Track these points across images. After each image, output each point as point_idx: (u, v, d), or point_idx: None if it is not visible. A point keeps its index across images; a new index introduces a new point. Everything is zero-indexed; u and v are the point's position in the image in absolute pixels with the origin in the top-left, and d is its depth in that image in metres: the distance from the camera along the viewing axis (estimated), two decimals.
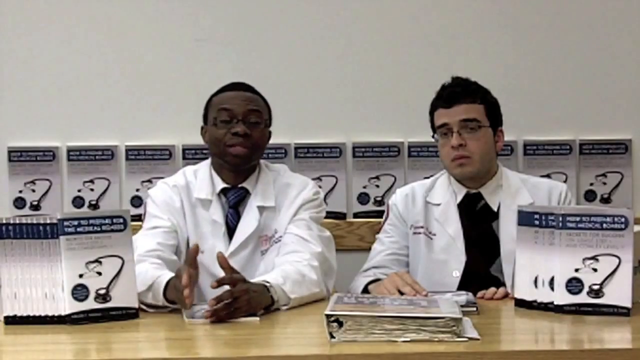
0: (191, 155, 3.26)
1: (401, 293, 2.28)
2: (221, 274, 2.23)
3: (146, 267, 2.34)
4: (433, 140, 2.71)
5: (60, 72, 3.29)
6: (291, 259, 2.45)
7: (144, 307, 2.25)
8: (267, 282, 2.27)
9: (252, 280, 2.27)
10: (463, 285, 2.56)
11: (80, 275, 2.10)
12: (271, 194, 2.61)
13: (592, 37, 3.36)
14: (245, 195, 2.61)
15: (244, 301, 2.14)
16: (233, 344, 1.96)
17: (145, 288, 2.25)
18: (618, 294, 2.11)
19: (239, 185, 2.62)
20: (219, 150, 2.57)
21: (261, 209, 2.59)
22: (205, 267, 2.46)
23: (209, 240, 2.57)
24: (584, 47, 3.36)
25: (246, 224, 2.58)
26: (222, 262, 2.21)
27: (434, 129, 2.69)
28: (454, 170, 2.66)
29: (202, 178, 2.63)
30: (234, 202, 2.61)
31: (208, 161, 2.68)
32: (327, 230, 2.64)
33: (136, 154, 3.30)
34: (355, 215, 3.35)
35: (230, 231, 2.58)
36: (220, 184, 2.62)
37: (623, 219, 2.12)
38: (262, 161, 2.69)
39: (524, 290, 2.22)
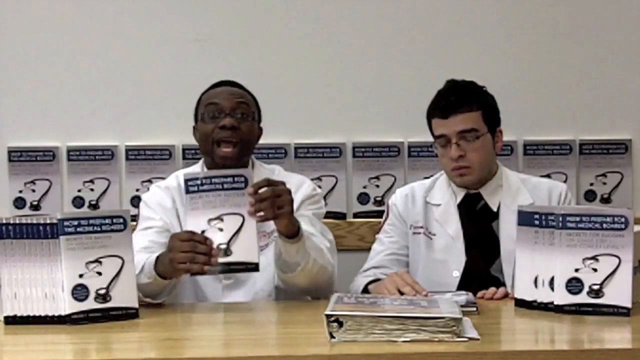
0: (191, 155, 3.25)
1: (401, 293, 2.27)
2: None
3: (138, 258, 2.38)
4: (432, 146, 2.70)
5: (60, 72, 3.29)
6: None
7: (142, 298, 2.26)
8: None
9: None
10: (463, 285, 2.55)
11: (80, 275, 2.10)
12: None
13: (592, 37, 3.36)
14: None
15: (287, 200, 2.26)
16: (233, 344, 1.96)
17: (138, 271, 2.27)
18: (618, 294, 2.11)
19: None
20: (208, 147, 2.58)
21: None
22: None
23: None
24: (584, 47, 3.36)
25: None
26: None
27: (433, 136, 2.68)
28: (454, 179, 2.66)
29: None
30: None
31: (201, 161, 2.68)
32: (330, 233, 2.64)
33: (136, 154, 3.30)
34: (355, 215, 3.35)
35: None
36: None
37: (623, 219, 2.12)
38: (256, 161, 2.69)
39: (524, 290, 2.22)
